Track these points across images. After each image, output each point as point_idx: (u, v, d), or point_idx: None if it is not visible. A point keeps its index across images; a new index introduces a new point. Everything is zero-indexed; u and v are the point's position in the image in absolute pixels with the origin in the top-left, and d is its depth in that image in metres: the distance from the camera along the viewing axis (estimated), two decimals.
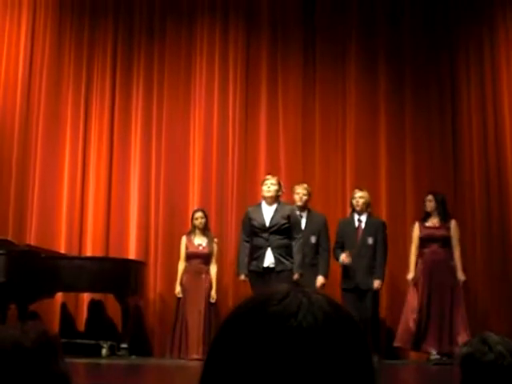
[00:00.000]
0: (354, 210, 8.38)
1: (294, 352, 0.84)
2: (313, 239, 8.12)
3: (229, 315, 0.92)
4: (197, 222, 8.62)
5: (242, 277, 7.51)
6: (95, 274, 8.13)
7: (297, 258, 7.37)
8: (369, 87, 9.63)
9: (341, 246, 8.25)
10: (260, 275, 7.33)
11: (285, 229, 7.41)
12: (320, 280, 7.96)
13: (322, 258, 8.10)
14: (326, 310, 0.88)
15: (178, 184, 9.55)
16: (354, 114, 9.57)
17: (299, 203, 8.25)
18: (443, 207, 8.18)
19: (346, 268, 8.17)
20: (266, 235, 7.40)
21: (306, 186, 8.44)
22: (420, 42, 9.62)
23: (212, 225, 8.90)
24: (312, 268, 7.95)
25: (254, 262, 7.40)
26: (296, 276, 7.28)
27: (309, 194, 8.38)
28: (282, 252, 7.35)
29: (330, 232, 8.35)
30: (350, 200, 8.51)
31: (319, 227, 8.21)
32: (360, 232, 8.29)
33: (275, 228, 7.39)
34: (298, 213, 8.12)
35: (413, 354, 8.49)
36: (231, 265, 8.57)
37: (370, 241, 8.23)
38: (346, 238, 8.28)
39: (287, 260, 7.34)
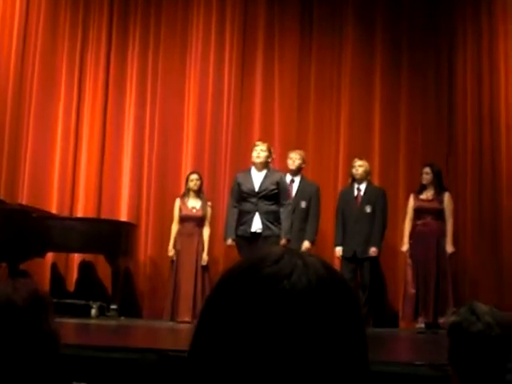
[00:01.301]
0: (353, 180, 8.41)
1: (286, 315, 0.83)
2: (303, 204, 8.16)
3: (222, 276, 0.91)
4: (191, 184, 8.60)
5: (229, 241, 7.59)
6: (86, 234, 8.16)
7: (285, 224, 7.44)
8: (365, 54, 9.51)
9: (341, 217, 8.30)
10: (247, 240, 7.41)
11: (273, 195, 7.47)
12: (306, 245, 7.96)
13: (310, 224, 8.13)
14: (320, 273, 0.87)
15: (171, 146, 9.53)
16: (349, 82, 9.49)
17: (292, 167, 8.30)
18: (438, 179, 8.21)
19: (343, 236, 8.24)
20: (254, 200, 7.45)
21: (300, 151, 8.48)
22: (419, 8, 9.54)
23: (204, 189, 8.85)
24: (299, 233, 7.98)
25: (242, 227, 7.46)
26: (283, 241, 7.31)
27: (303, 160, 8.41)
28: (270, 218, 7.41)
29: (323, 200, 8.42)
30: (349, 170, 8.50)
31: (311, 194, 8.25)
32: (359, 200, 8.32)
33: (264, 193, 7.45)
34: (289, 177, 8.16)
35: (402, 323, 8.56)
36: (222, 229, 8.58)
37: (368, 209, 8.26)
38: (346, 207, 8.33)
39: (275, 226, 7.40)
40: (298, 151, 8.48)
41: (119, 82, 9.69)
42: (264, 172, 7.58)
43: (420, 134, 9.37)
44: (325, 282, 0.87)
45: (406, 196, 8.59)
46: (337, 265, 8.02)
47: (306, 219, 8.15)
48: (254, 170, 7.63)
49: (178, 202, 8.65)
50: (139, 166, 9.51)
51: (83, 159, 9.52)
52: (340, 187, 8.96)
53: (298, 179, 8.33)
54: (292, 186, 8.23)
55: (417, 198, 8.24)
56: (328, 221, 8.63)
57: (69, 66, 9.62)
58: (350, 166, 8.51)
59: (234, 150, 9.44)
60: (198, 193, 8.65)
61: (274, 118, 9.53)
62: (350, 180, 8.51)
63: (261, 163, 7.59)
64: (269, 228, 7.38)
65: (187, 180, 8.70)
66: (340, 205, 8.41)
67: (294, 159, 8.34)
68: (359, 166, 8.36)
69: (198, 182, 8.65)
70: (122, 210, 9.39)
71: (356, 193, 8.38)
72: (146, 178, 9.49)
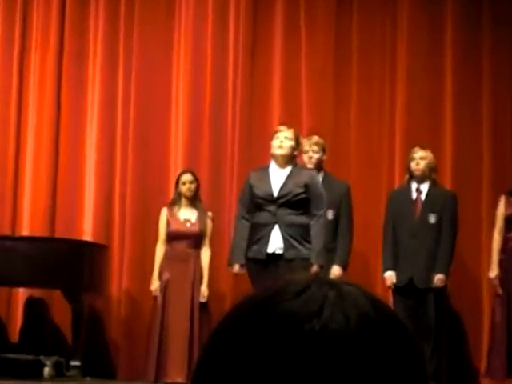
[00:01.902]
0: (411, 177, 8.34)
1: (316, 368, 0.83)
2: (330, 215, 8.11)
3: (224, 317, 0.91)
4: (184, 188, 8.60)
5: (236, 268, 7.65)
6: (35, 260, 8.28)
7: (317, 242, 7.42)
8: (429, 3, 9.47)
9: (392, 229, 8.25)
10: (263, 264, 7.39)
11: (300, 201, 7.44)
12: (336, 271, 8.06)
13: (341, 242, 8.23)
14: (362, 308, 0.88)
15: (153, 135, 9.61)
16: (407, 39, 9.46)
17: (309, 165, 8.27)
18: None
19: (396, 257, 8.16)
20: (273, 208, 7.43)
21: (317, 138, 8.45)
22: None
23: (203, 197, 8.85)
24: (328, 254, 7.92)
25: (255, 247, 7.45)
26: (315, 268, 7.33)
27: (324, 151, 8.35)
28: (295, 233, 7.39)
29: (369, 206, 8.66)
30: (407, 162, 8.46)
31: (339, 198, 8.28)
32: (419, 206, 8.25)
33: (286, 199, 7.43)
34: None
35: (486, 381, 8.47)
36: (228, 251, 8.51)
37: (433, 219, 8.18)
38: (399, 214, 8.28)
39: (301, 245, 7.39)
40: (315, 138, 8.43)
41: (78, 46, 9.80)
42: (288, 169, 7.55)
43: (510, 113, 9.25)
44: (369, 320, 0.88)
45: (493, 201, 8.55)
46: (388, 299, 8.00)
47: (335, 235, 8.17)
48: (273, 167, 7.60)
49: (164, 213, 8.69)
50: (109, 164, 9.57)
51: (29, 158, 9.67)
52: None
53: (320, 179, 8.21)
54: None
55: (509, 203, 8.16)
56: (373, 235, 8.66)
57: (6, 30, 9.72)
58: (408, 158, 8.40)
59: (244, 139, 9.45)
60: (194, 200, 8.69)
61: (301, 94, 9.49)
62: (406, 177, 8.41)
63: (284, 156, 7.53)
64: (293, 247, 7.36)
65: (178, 182, 8.73)
66: (391, 212, 8.37)
67: (312, 152, 8.28)
68: (420, 159, 8.29)
69: (193, 186, 8.68)
70: (84, 226, 9.48)
71: (415, 196, 8.34)
72: (118, 180, 9.56)
